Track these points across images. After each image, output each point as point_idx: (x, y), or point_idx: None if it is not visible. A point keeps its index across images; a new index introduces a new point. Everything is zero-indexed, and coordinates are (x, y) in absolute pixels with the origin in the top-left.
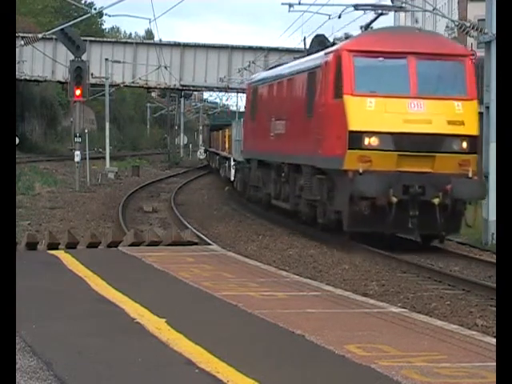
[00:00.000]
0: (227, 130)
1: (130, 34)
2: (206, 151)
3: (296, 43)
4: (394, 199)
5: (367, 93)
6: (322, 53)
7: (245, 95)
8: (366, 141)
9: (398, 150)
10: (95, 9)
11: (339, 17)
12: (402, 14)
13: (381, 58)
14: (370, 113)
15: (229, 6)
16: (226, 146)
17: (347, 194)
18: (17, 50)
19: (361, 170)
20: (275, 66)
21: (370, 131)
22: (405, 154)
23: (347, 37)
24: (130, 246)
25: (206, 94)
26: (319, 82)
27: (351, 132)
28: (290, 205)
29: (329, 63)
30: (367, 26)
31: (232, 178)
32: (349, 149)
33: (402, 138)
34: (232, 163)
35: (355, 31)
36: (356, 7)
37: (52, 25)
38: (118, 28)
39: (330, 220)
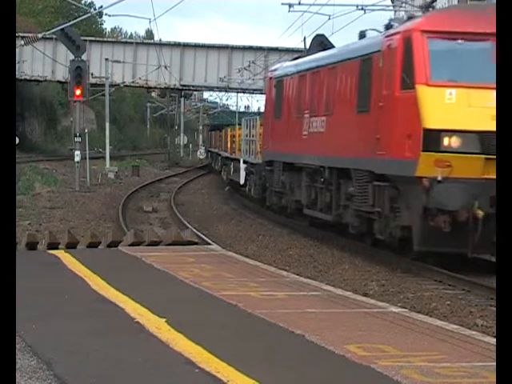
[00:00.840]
0: (230, 130)
1: (131, 33)
2: (207, 152)
3: (296, 43)
4: (480, 213)
5: (446, 82)
6: (379, 36)
7: (245, 95)
8: (446, 141)
9: (484, 153)
10: (95, 9)
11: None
12: (402, 13)
13: (460, 41)
14: (450, 107)
15: (229, 6)
16: (232, 146)
17: (420, 207)
18: (17, 50)
19: (439, 177)
20: (306, 55)
21: (450, 129)
22: (493, 157)
23: (410, 17)
24: (129, 245)
25: (206, 94)
26: (378, 70)
27: (427, 130)
28: (333, 216)
29: (393, 47)
30: (429, 5)
31: (242, 182)
32: (423, 151)
33: (490, 138)
34: (242, 165)
35: (355, 31)
36: None
37: (52, 25)
38: (121, 29)
39: (392, 236)
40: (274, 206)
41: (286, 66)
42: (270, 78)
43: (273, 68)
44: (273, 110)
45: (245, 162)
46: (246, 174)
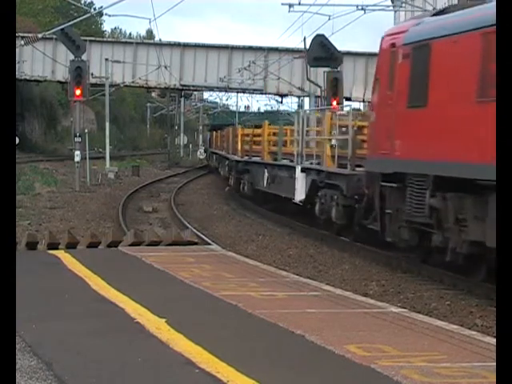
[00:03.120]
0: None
1: (130, 33)
2: (213, 154)
3: (296, 43)
4: None
5: None
6: None
7: (245, 95)
8: None
9: None
10: (95, 9)
11: None
12: (402, 14)
13: None
14: None
15: (229, 6)
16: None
17: None
18: (17, 50)
19: None
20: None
21: None
22: None
23: None
24: (129, 245)
25: (206, 94)
26: None
27: None
28: None
29: None
30: None
31: (300, 198)
32: None
33: None
34: (299, 175)
35: (355, 32)
36: None
37: (52, 25)
38: (121, 30)
39: None
40: (401, 244)
41: (434, 21)
42: (392, 45)
43: (397, 29)
44: (403, 93)
45: (304, 170)
46: (318, 188)
